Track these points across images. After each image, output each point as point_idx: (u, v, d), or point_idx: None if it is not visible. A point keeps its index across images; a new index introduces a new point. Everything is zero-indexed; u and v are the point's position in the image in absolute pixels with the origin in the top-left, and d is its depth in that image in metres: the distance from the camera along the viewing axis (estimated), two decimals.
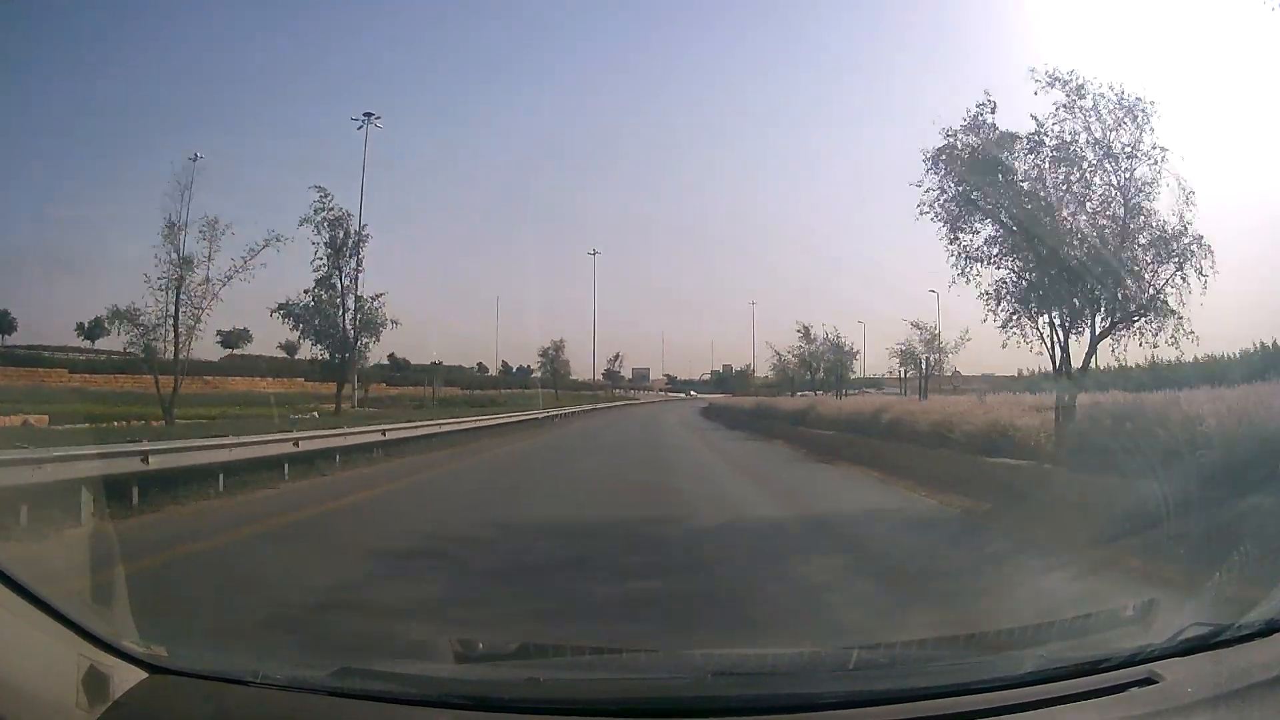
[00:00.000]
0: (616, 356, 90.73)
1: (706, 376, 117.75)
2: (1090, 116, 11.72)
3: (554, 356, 68.69)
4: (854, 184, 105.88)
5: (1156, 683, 1.94)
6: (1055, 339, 12.23)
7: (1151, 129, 11.51)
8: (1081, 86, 11.75)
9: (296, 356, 57.50)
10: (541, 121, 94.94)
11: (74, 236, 70.11)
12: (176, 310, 21.78)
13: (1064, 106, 11.81)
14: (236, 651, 3.53)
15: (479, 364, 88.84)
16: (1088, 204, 11.87)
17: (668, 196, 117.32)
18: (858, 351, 45.68)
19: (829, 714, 1.83)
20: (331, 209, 28.78)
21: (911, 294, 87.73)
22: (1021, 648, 2.66)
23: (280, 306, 29.07)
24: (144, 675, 1.82)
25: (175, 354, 22.11)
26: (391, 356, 77.31)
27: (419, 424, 22.47)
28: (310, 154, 78.19)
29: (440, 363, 78.13)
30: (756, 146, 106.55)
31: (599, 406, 62.95)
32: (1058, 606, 5.45)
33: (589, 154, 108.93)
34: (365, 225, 29.71)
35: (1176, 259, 11.28)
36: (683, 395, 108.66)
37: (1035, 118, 11.90)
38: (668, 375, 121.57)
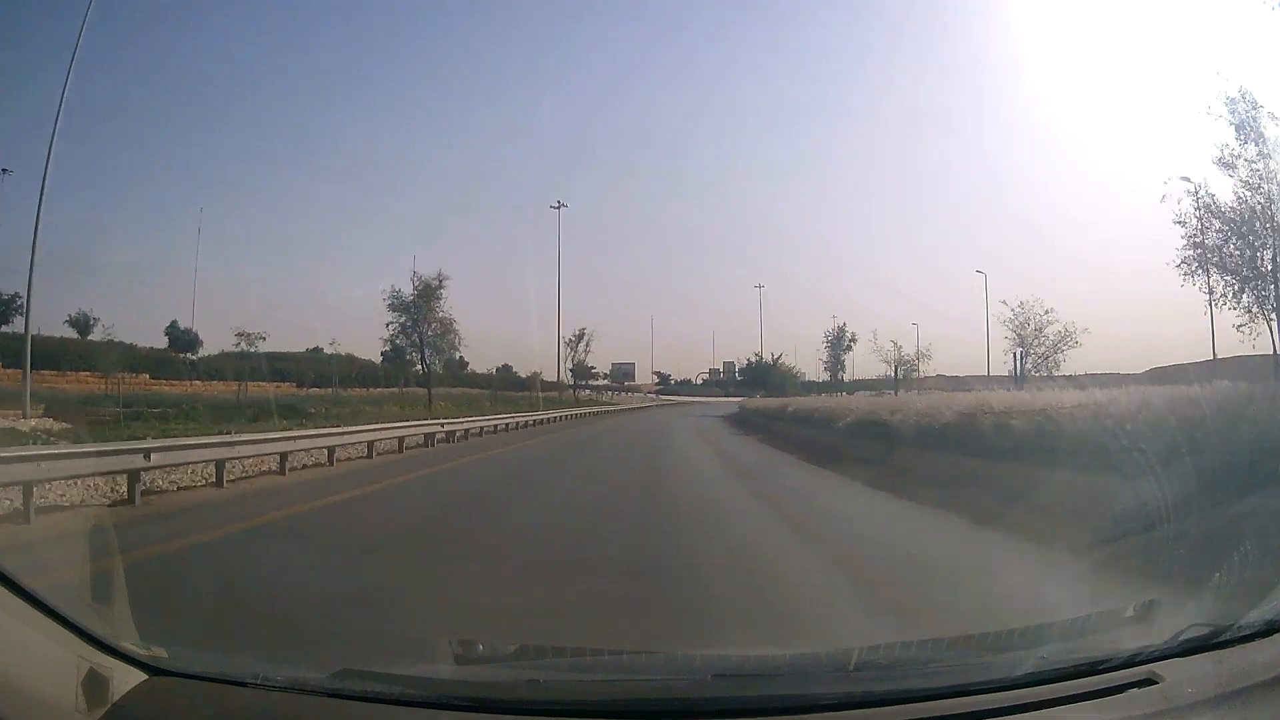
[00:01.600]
0: (580, 336, 61.33)
1: (705, 375, 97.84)
2: None
3: (420, 311, 34.51)
4: (857, 175, 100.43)
5: (1157, 683, 1.95)
6: None
7: None
8: None
9: (90, 337, 41.53)
10: (515, 93, 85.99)
11: None
12: None
13: None
14: (237, 653, 3.52)
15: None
16: None
17: (657, 179, 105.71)
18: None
19: (829, 715, 1.83)
20: None
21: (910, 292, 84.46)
22: (1021, 649, 2.66)
23: None
24: (144, 677, 1.82)
25: None
26: (172, 328, 48.27)
27: None
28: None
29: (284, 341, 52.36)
30: (756, 124, 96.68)
31: (510, 423, 31.80)
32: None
33: (568, 128, 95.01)
34: None
35: None
36: (682, 398, 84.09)
37: None
38: (658, 373, 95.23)
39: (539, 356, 77.48)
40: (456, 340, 37.46)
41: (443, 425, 24.39)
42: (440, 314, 36.11)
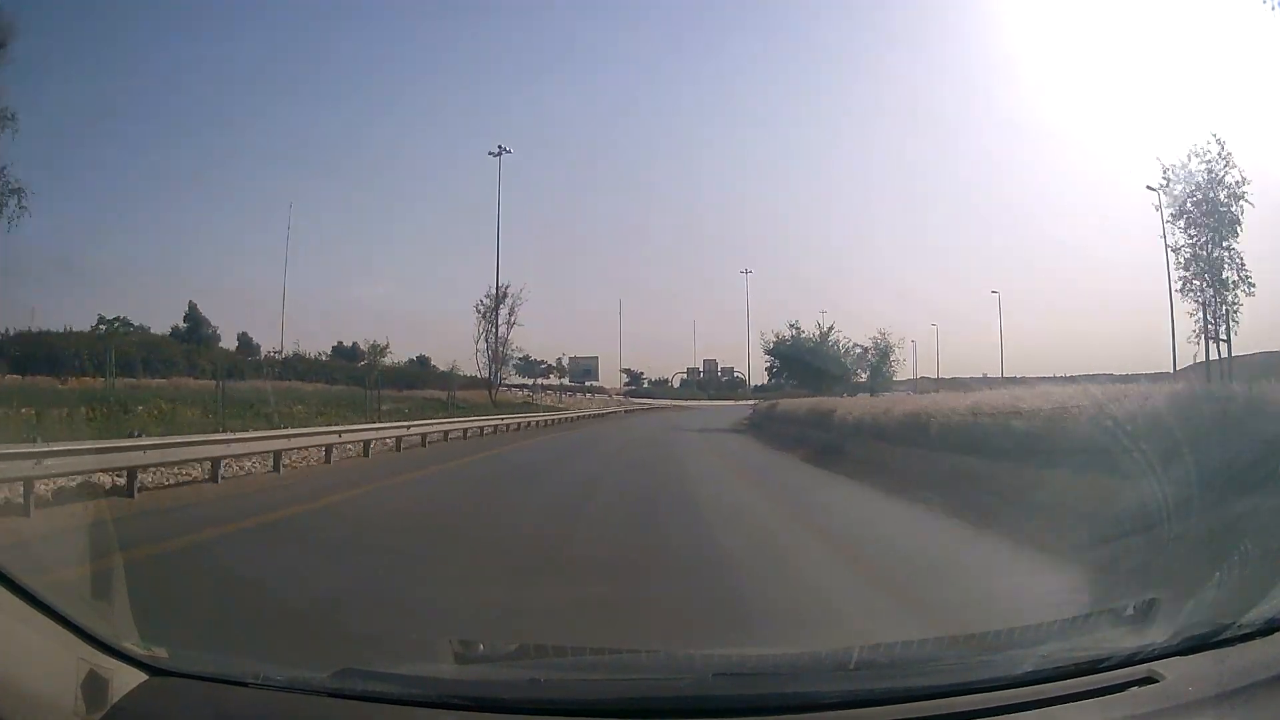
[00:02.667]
0: (501, 298, 41.70)
1: (683, 375, 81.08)
2: None
3: None
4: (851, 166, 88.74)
5: (1157, 682, 1.95)
6: None
7: None
8: None
9: None
10: (473, 71, 74.86)
11: None
12: None
13: None
14: (237, 653, 3.51)
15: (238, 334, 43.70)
16: None
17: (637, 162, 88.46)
18: None
19: (829, 714, 1.84)
20: None
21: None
22: (1021, 647, 2.66)
23: None
24: (144, 677, 1.82)
25: None
26: None
27: None
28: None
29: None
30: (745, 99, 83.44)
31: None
32: None
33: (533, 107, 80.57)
34: None
35: None
36: (657, 401, 69.00)
37: None
38: (627, 371, 75.28)
39: (447, 334, 61.09)
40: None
41: None
42: None
